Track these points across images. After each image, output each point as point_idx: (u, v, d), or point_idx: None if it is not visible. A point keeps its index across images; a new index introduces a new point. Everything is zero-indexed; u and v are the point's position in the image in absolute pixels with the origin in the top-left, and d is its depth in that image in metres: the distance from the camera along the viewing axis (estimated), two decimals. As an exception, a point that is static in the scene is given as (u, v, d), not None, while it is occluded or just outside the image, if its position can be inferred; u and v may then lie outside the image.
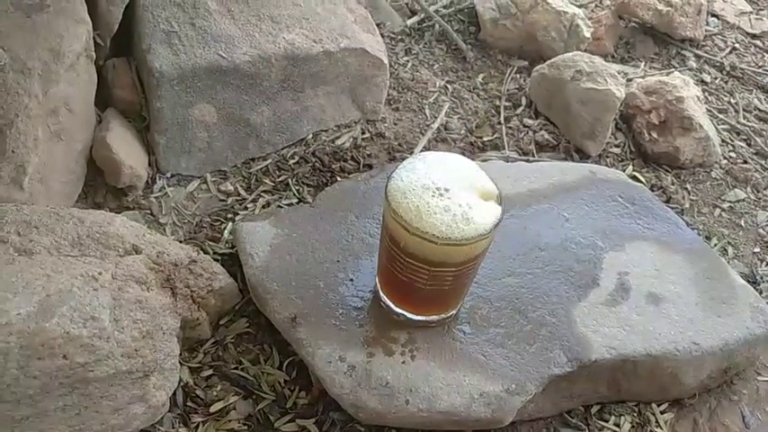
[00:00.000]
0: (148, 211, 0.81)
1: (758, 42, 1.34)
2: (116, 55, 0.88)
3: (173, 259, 0.65)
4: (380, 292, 0.68)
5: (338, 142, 0.95)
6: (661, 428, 0.70)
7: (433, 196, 0.58)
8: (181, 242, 0.78)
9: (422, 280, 0.62)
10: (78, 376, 0.55)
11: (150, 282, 0.62)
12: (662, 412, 0.72)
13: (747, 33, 1.36)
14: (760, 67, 1.27)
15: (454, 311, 0.68)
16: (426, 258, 0.59)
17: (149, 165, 0.84)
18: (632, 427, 0.70)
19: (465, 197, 0.59)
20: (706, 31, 1.32)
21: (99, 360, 0.55)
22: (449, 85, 1.12)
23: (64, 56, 0.70)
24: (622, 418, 0.70)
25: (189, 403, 0.65)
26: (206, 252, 0.77)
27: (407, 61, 1.15)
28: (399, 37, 1.20)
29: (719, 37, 1.34)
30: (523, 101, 1.10)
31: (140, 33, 0.84)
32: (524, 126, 1.06)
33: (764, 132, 1.11)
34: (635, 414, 0.71)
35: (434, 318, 0.67)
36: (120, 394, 0.57)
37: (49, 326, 0.53)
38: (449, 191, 0.59)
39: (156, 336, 0.61)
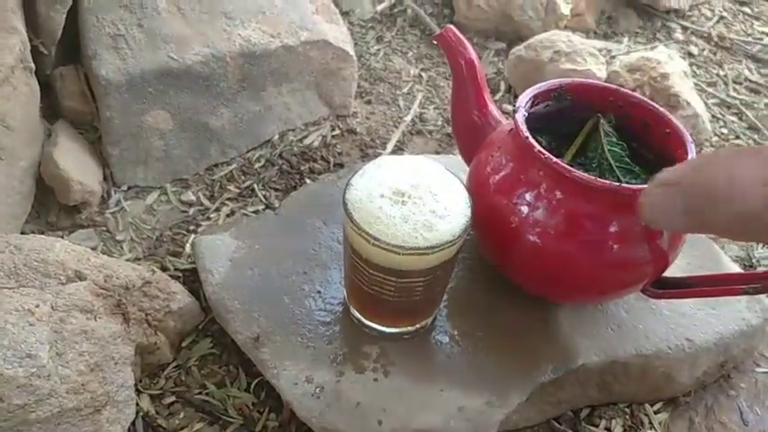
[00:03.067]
0: (104, 228, 0.77)
1: (746, 9, 1.28)
2: (64, 63, 0.83)
3: (123, 282, 0.61)
4: (349, 305, 0.63)
5: (306, 141, 0.91)
6: (655, 430, 0.66)
7: (393, 204, 0.53)
8: (139, 259, 0.74)
9: (389, 292, 0.57)
10: (18, 419, 0.50)
11: (97, 309, 0.57)
12: (656, 412, 0.68)
13: (735, 0, 1.31)
14: (749, 35, 1.22)
15: (429, 320, 0.63)
16: (392, 269, 0.55)
17: (104, 178, 0.80)
18: (624, 430, 0.66)
19: (428, 202, 0.54)
20: (692, 0, 1.26)
21: (40, 400, 0.51)
22: (423, 74, 1.07)
23: (-5, 70, 0.65)
24: (614, 421, 0.66)
25: (150, 434, 0.61)
26: (166, 269, 0.73)
27: (379, 50, 1.10)
28: (369, 24, 1.15)
29: (706, 6, 1.28)
30: (502, 86, 1.05)
31: (85, 39, 0.79)
32: (504, 113, 1.01)
33: (756, 105, 1.06)
34: (627, 416, 0.67)
35: (408, 329, 0.63)
36: (69, 434, 0.53)
37: (-21, 369, 0.48)
38: (410, 197, 0.54)
39: (107, 367, 0.56)
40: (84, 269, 0.59)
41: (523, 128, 0.58)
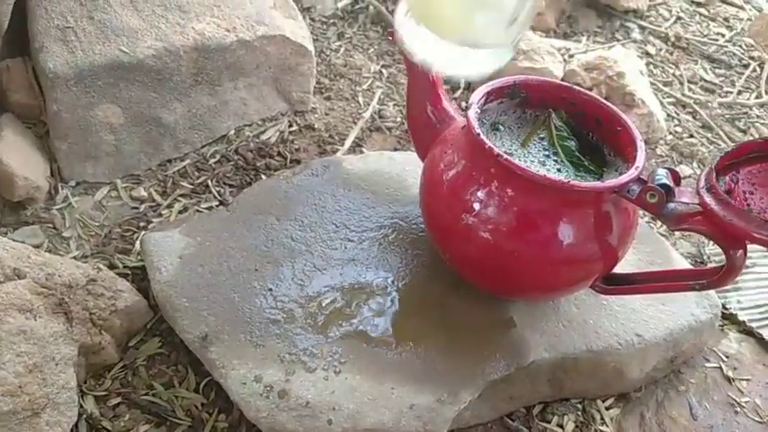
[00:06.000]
0: (50, 225, 0.74)
1: (703, 10, 1.30)
2: (11, 55, 0.81)
3: (65, 281, 0.59)
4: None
5: (263, 137, 0.90)
6: (606, 426, 0.67)
7: None
8: (87, 257, 0.72)
9: None
10: (-50, 423, 0.49)
11: (37, 308, 0.56)
12: (607, 408, 0.68)
13: (692, 1, 1.33)
14: (705, 36, 1.24)
15: None
16: None
17: (51, 174, 0.78)
18: (576, 426, 0.66)
19: None
20: (650, 0, 1.28)
21: (-27, 403, 0.49)
22: (384, 70, 1.06)
23: (-68, 61, 0.63)
24: (566, 417, 0.67)
25: (94, 437, 0.60)
26: (115, 266, 0.71)
27: (340, 46, 1.09)
28: (331, 21, 1.14)
29: (664, 6, 1.30)
30: (462, 83, 1.05)
31: (33, 31, 0.76)
32: (463, 110, 1.01)
33: (710, 104, 1.08)
34: (579, 412, 0.67)
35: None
36: (6, 437, 0.52)
37: None
38: None
39: (47, 368, 0.55)
40: (23, 267, 0.57)
41: (475, 124, 0.58)
